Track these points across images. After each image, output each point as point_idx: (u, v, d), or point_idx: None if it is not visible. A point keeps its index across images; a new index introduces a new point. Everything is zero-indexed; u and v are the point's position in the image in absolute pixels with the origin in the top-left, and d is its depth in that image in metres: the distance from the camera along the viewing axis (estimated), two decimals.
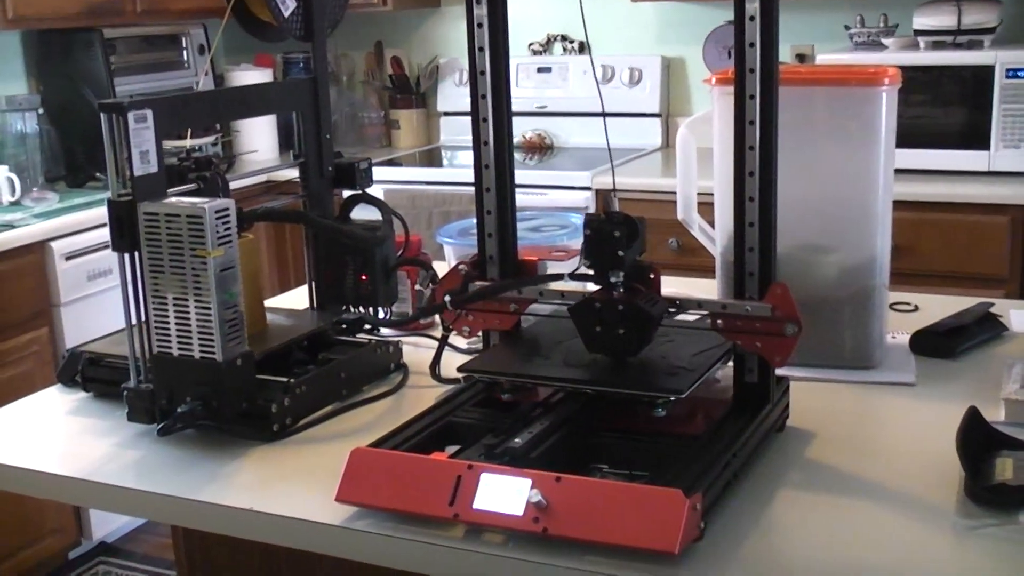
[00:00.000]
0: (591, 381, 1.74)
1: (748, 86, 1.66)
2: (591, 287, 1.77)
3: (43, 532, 3.96)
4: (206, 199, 1.82)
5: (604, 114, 4.71)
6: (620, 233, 1.71)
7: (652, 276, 1.78)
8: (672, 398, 1.66)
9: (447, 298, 1.88)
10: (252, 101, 2.25)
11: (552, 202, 4.20)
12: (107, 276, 4.01)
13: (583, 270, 1.76)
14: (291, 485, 1.73)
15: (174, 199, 1.84)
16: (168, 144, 2.01)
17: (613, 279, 1.74)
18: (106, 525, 4.23)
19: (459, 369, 1.81)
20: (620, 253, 1.72)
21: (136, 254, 1.84)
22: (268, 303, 2.56)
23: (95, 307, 3.99)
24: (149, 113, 1.83)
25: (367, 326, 2.18)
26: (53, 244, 3.90)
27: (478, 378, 1.85)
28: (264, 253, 4.72)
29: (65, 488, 1.85)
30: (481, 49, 1.85)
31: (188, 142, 4.11)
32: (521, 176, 4.54)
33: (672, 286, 1.78)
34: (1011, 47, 3.83)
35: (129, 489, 1.77)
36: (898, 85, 2.04)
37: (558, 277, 1.84)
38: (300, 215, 2.18)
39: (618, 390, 1.72)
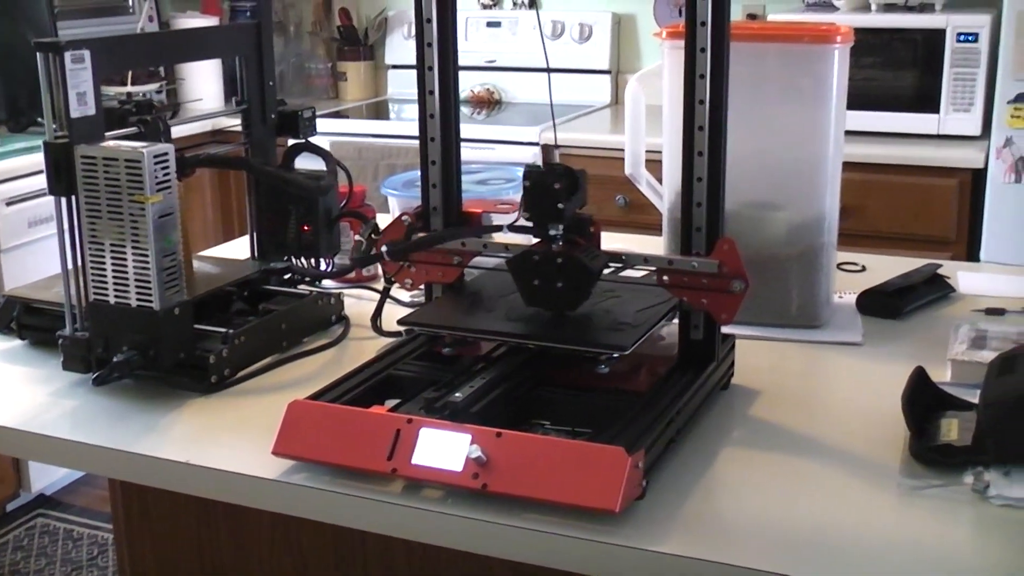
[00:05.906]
0: (533, 335, 1.71)
1: (699, 39, 1.63)
2: (531, 240, 1.74)
3: None
4: (145, 143, 1.77)
5: (549, 69, 4.67)
6: (560, 185, 1.67)
7: (593, 230, 1.74)
8: (615, 354, 1.64)
9: (384, 248, 1.85)
10: (194, 45, 2.20)
11: (499, 157, 4.16)
12: (49, 222, 3.87)
13: (523, 222, 1.73)
14: (228, 437, 1.70)
15: (112, 143, 1.80)
16: (111, 90, 1.97)
17: (552, 232, 1.70)
18: (45, 477, 4.19)
19: (399, 322, 1.78)
20: (560, 206, 1.68)
21: (73, 198, 1.80)
22: (209, 252, 2.53)
23: (37, 254, 3.92)
24: (87, 53, 1.77)
25: (288, 275, 2.16)
26: None
27: (419, 331, 1.82)
28: (208, 201, 4.67)
29: None
30: None
31: (129, 88, 4.06)
32: (469, 130, 4.50)
33: (619, 243, 1.76)
34: (963, 11, 3.82)
35: (63, 440, 1.73)
36: (850, 44, 2.03)
37: (497, 229, 1.81)
38: (243, 162, 2.14)
39: (561, 345, 1.70)
